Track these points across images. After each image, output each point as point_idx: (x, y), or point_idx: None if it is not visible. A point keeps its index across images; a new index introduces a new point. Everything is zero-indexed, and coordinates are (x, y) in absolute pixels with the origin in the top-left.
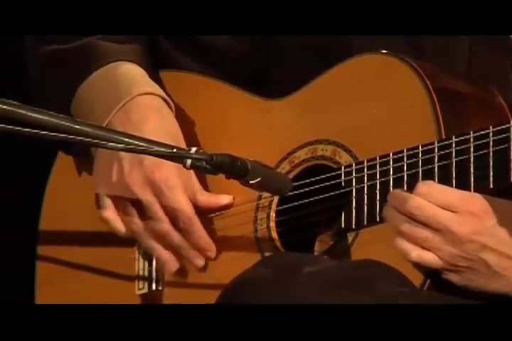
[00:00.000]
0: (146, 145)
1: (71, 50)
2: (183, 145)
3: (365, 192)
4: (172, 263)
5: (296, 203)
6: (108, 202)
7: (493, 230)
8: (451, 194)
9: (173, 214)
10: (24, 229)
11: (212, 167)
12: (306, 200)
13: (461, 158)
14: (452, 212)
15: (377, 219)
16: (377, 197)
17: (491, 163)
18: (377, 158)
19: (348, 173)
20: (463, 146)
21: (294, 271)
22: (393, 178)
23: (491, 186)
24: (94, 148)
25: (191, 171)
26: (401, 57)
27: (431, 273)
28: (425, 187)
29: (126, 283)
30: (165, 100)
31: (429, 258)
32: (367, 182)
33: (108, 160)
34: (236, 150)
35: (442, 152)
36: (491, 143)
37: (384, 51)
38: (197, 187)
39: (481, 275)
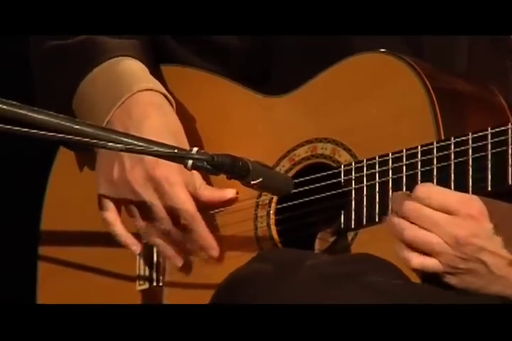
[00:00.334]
0: (146, 145)
1: (72, 46)
2: (185, 142)
3: (365, 192)
4: (177, 259)
5: (295, 201)
6: (109, 205)
7: (491, 232)
8: (449, 196)
9: (175, 211)
10: (25, 228)
11: (214, 167)
12: (305, 199)
13: (460, 159)
14: (451, 214)
15: (377, 219)
16: (377, 197)
17: (489, 166)
18: (377, 158)
19: (348, 172)
20: (462, 148)
21: (289, 266)
22: (392, 178)
23: (489, 188)
24: None
25: None
26: (400, 56)
27: (430, 278)
28: (424, 189)
29: (127, 279)
30: (166, 96)
31: (431, 263)
32: (366, 182)
33: (109, 158)
34: (236, 147)
35: (441, 153)
36: (490, 146)
37: (383, 50)
38: (200, 182)
39: (480, 277)
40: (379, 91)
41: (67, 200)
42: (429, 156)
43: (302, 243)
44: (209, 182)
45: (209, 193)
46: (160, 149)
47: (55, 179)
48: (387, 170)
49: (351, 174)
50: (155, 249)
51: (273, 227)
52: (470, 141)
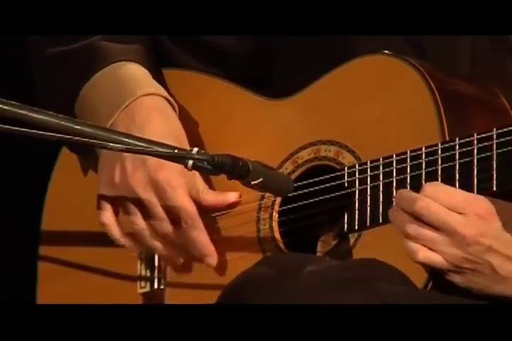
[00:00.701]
0: (147, 145)
1: (74, 51)
2: (187, 146)
3: (368, 193)
4: (174, 263)
5: (299, 203)
6: (107, 206)
7: (498, 232)
8: (457, 195)
9: (176, 215)
10: (25, 228)
11: (214, 167)
12: (309, 201)
13: (465, 160)
14: (458, 213)
15: (380, 221)
16: (380, 199)
17: (495, 166)
18: (381, 160)
19: (351, 174)
20: (466, 148)
21: (294, 271)
22: (396, 180)
23: (494, 189)
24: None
25: (195, 171)
26: (404, 58)
27: (435, 274)
28: (431, 188)
29: (128, 282)
30: (168, 101)
31: (436, 259)
32: (370, 183)
33: (111, 161)
34: (239, 150)
35: (446, 154)
36: (495, 146)
37: (387, 52)
38: (202, 186)
39: (485, 277)
40: (383, 93)
41: (68, 201)
42: (433, 157)
43: (305, 245)
44: (210, 184)
45: (212, 197)
46: (160, 149)
47: (57, 179)
48: (392, 172)
49: (355, 176)
50: None
51: (275, 229)
52: (475, 142)
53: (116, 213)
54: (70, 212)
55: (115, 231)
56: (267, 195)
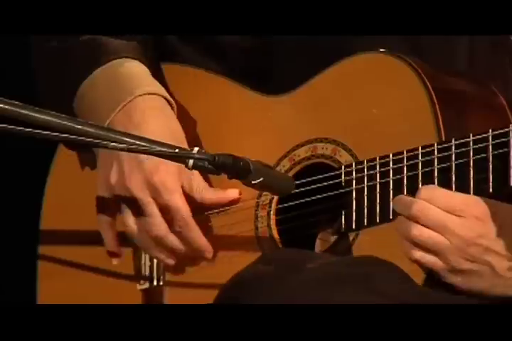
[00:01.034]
0: (147, 145)
1: (74, 48)
2: (185, 145)
3: (365, 193)
4: (169, 264)
5: (296, 202)
6: (105, 207)
7: (497, 233)
8: (454, 198)
9: (170, 216)
10: (25, 228)
11: (215, 167)
12: (306, 199)
13: (461, 161)
14: (457, 216)
15: (377, 220)
16: (377, 198)
17: (491, 167)
18: (377, 159)
19: (348, 173)
20: (463, 149)
21: (294, 268)
22: (393, 179)
23: (491, 190)
24: None
25: (194, 170)
26: (401, 56)
27: (432, 276)
28: (427, 191)
29: (128, 279)
30: (167, 99)
31: (430, 259)
32: (367, 182)
33: (108, 161)
34: (236, 146)
35: (442, 154)
36: (491, 147)
37: (383, 50)
38: (202, 185)
39: (484, 278)
40: (379, 92)
41: (67, 200)
42: (429, 157)
43: (303, 243)
44: (209, 182)
45: (211, 195)
46: (161, 149)
47: (54, 178)
48: (388, 171)
49: (352, 175)
50: None
51: (273, 227)
52: (471, 143)
53: (113, 215)
54: (69, 210)
55: (108, 234)
56: (264, 192)
